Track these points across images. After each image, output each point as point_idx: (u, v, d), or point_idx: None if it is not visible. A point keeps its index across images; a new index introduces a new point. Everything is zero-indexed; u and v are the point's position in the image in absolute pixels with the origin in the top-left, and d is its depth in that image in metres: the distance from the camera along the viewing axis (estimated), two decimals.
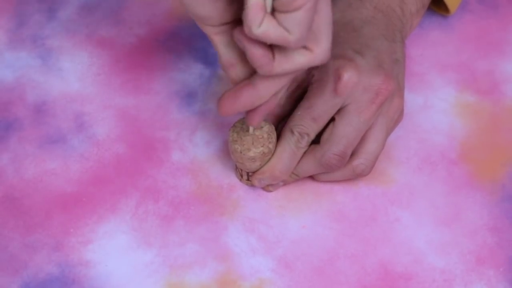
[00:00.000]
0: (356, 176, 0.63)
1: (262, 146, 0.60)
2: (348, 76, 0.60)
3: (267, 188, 0.64)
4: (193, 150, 0.67)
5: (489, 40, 0.73)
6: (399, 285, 0.61)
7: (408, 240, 0.63)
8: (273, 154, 0.62)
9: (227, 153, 0.66)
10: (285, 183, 0.64)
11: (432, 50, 0.73)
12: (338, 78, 0.60)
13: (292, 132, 0.61)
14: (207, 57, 0.72)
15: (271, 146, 0.61)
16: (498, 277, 0.61)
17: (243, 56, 0.53)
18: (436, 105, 0.69)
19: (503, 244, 0.63)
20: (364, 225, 0.63)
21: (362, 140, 0.61)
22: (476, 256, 0.62)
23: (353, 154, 0.62)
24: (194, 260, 0.62)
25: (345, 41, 0.63)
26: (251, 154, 0.60)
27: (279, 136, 0.62)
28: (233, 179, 0.65)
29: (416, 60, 0.72)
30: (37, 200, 0.64)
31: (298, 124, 0.61)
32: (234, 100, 0.55)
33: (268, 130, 0.61)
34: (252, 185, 0.64)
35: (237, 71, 0.55)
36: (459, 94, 0.70)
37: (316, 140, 0.62)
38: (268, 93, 0.54)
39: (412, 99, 0.70)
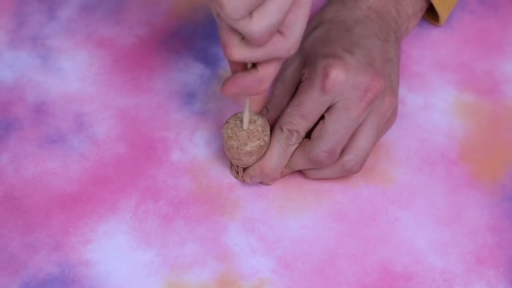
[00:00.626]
0: (347, 173, 0.63)
1: (258, 140, 0.61)
2: (336, 73, 0.60)
3: (265, 182, 0.64)
4: (193, 150, 0.67)
5: (489, 40, 0.73)
6: (399, 285, 0.61)
7: (408, 240, 0.63)
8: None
9: None
10: (282, 175, 0.64)
11: (432, 50, 0.73)
12: (325, 75, 0.60)
13: (282, 129, 0.61)
14: (207, 57, 0.72)
15: (266, 138, 0.61)
16: (498, 277, 0.61)
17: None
18: (436, 105, 0.69)
19: (503, 244, 0.63)
20: (364, 225, 0.63)
21: (353, 136, 0.61)
22: (476, 256, 0.62)
23: (343, 150, 0.62)
24: (194, 260, 0.62)
25: (336, 40, 0.63)
26: (248, 148, 0.60)
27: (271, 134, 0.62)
28: (233, 179, 0.65)
29: (416, 60, 0.72)
30: (37, 200, 0.64)
31: (288, 121, 0.61)
32: (237, 81, 0.56)
33: (261, 123, 0.61)
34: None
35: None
36: (459, 94, 0.70)
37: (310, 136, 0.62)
38: (267, 77, 0.55)
39: (412, 99, 0.70)
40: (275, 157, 0.62)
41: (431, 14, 0.73)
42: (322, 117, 0.61)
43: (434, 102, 0.70)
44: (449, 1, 0.70)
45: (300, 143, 0.62)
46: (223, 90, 0.57)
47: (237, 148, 0.60)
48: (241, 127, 0.61)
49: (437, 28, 0.74)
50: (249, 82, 0.55)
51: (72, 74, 0.71)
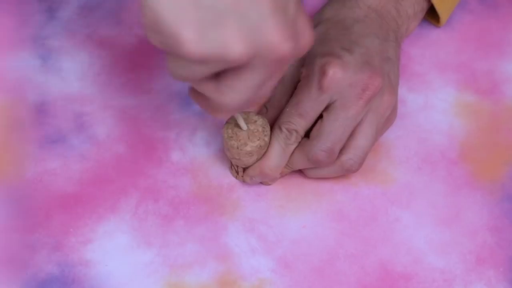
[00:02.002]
0: (346, 172, 0.63)
1: (258, 140, 0.61)
2: (333, 72, 0.60)
3: (265, 182, 0.64)
4: (193, 150, 0.67)
5: (489, 40, 0.73)
6: (399, 285, 0.61)
7: (408, 240, 0.63)
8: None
9: None
10: (282, 174, 0.64)
11: (432, 50, 0.73)
12: (323, 74, 0.60)
13: (281, 129, 0.61)
14: None
15: (266, 139, 0.61)
16: (498, 277, 0.61)
17: None
18: (436, 105, 0.69)
19: (503, 244, 0.63)
20: (364, 225, 0.63)
21: (351, 135, 0.61)
22: (476, 256, 0.62)
23: (342, 149, 0.62)
24: (194, 260, 0.62)
25: (334, 39, 0.63)
26: (248, 148, 0.60)
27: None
28: (233, 179, 0.65)
29: (416, 60, 0.72)
30: (37, 200, 0.64)
31: (286, 120, 0.61)
32: (197, 96, 0.56)
33: (262, 123, 0.61)
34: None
35: None
36: (459, 94, 0.70)
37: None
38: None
39: (412, 99, 0.70)
40: (275, 156, 0.62)
41: (431, 15, 0.73)
42: (321, 116, 0.61)
43: (434, 102, 0.70)
44: (449, 2, 0.70)
45: (299, 142, 0.62)
46: (189, 93, 0.56)
47: (237, 148, 0.60)
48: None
49: (437, 28, 0.74)
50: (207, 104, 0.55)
51: (72, 74, 0.71)
